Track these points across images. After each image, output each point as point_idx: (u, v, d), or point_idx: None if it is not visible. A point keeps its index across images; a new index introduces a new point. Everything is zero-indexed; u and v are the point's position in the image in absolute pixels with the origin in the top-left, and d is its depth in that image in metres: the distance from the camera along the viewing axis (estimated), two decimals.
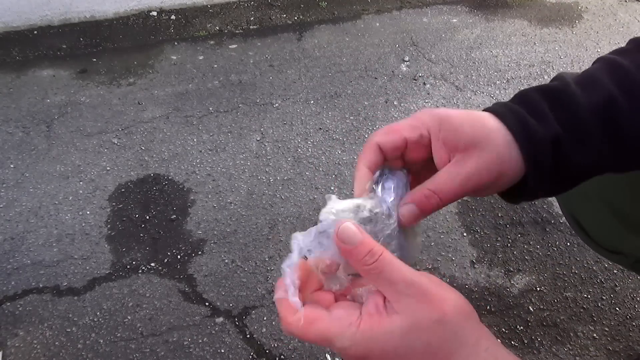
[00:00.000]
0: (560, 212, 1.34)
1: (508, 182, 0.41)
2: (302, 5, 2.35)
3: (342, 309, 0.37)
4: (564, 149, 0.40)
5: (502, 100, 0.44)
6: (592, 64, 0.44)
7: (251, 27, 2.21)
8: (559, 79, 0.42)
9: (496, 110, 0.41)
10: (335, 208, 0.40)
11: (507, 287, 1.18)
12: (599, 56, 0.44)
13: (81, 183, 1.47)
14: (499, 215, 1.35)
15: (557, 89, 0.41)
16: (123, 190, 1.45)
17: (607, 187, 0.64)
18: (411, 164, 0.44)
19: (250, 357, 1.06)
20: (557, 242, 1.28)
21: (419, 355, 0.35)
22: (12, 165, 1.53)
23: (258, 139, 1.61)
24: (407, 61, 1.94)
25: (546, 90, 0.41)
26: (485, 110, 0.43)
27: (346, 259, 0.38)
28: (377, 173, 0.43)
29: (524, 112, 0.40)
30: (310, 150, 1.56)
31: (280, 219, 1.34)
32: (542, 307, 1.14)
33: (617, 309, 1.13)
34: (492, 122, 0.40)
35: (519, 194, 0.43)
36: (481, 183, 0.40)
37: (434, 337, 0.35)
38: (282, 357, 1.06)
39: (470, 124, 0.40)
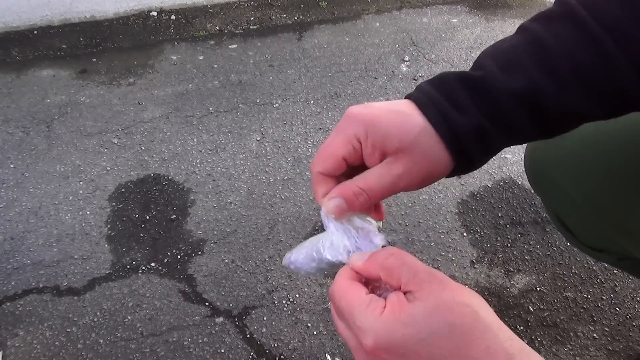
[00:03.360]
0: None
1: (439, 176, 0.42)
2: (302, 5, 2.35)
3: (373, 295, 0.38)
4: (489, 137, 0.40)
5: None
6: (516, 34, 0.42)
7: (251, 27, 2.21)
8: (480, 67, 0.41)
9: (418, 99, 0.41)
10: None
11: (507, 287, 1.18)
12: (522, 24, 0.43)
13: (81, 183, 1.47)
14: (499, 215, 1.35)
15: (477, 78, 0.40)
16: (123, 190, 1.45)
17: (591, 187, 0.64)
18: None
19: (250, 357, 1.06)
20: (557, 242, 1.28)
21: (443, 338, 0.33)
22: (12, 165, 1.53)
23: (258, 139, 1.61)
24: (407, 61, 1.94)
25: (467, 79, 0.40)
26: (407, 97, 0.42)
27: (368, 275, 0.40)
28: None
29: (446, 105, 0.39)
30: (310, 150, 1.56)
31: (280, 219, 1.34)
32: (542, 307, 1.14)
33: (617, 309, 1.13)
34: (417, 121, 0.40)
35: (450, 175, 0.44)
36: (412, 183, 0.41)
37: (458, 318, 0.34)
38: (282, 357, 1.06)
39: (396, 128, 0.39)
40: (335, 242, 0.43)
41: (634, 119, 0.59)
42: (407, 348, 0.34)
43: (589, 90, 0.38)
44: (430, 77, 0.43)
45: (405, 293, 0.37)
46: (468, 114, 0.39)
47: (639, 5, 0.37)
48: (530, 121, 0.40)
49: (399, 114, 0.40)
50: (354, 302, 0.37)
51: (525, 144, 0.75)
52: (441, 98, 0.40)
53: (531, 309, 1.14)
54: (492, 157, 0.43)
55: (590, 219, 0.67)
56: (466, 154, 0.40)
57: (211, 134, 1.63)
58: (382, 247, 0.42)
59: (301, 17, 2.26)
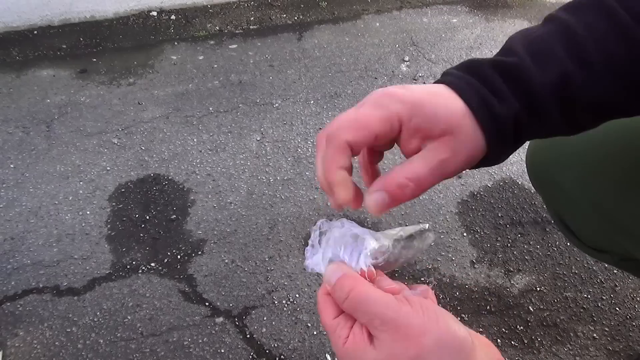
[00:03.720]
0: None
1: (474, 163, 0.40)
2: (302, 5, 2.35)
3: (340, 321, 0.39)
4: (522, 126, 0.39)
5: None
6: (544, 24, 0.41)
7: (251, 27, 2.21)
8: (512, 53, 0.39)
9: (454, 83, 0.39)
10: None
11: (507, 287, 1.18)
12: (549, 14, 0.42)
13: (81, 183, 1.47)
14: (499, 215, 1.35)
15: (512, 65, 0.38)
16: (123, 190, 1.45)
17: (595, 190, 0.63)
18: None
19: (250, 357, 1.06)
20: (557, 242, 1.28)
21: None
22: (12, 165, 1.53)
23: (258, 139, 1.61)
24: (407, 61, 1.94)
25: (501, 66, 0.39)
26: (440, 82, 0.40)
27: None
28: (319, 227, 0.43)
29: (484, 90, 0.38)
30: (310, 150, 1.56)
31: (280, 219, 1.34)
32: (542, 307, 1.14)
33: (617, 309, 1.13)
34: (460, 104, 0.38)
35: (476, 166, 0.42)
36: (458, 167, 0.38)
37: None
38: (282, 357, 1.06)
39: (443, 110, 0.37)
40: (317, 251, 0.43)
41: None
42: None
43: (620, 80, 0.38)
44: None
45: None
46: (507, 101, 0.37)
47: None
48: (560, 113, 0.39)
49: (441, 97, 0.38)
50: (325, 324, 0.39)
51: (527, 143, 0.74)
52: (478, 83, 0.38)
53: (531, 309, 1.13)
54: (515, 150, 0.41)
55: (594, 220, 0.66)
56: (501, 141, 0.39)
57: (211, 134, 1.63)
58: (372, 263, 0.41)
59: (301, 17, 2.26)
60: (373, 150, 0.43)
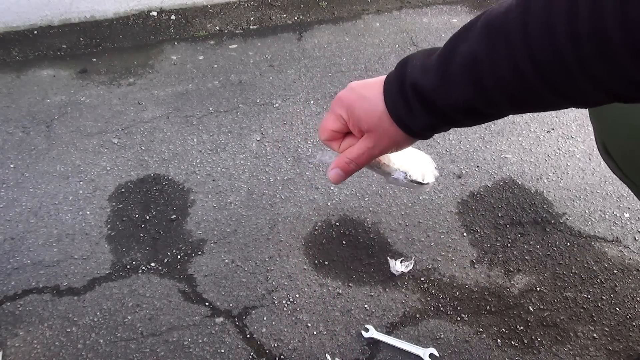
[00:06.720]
0: (560, 212, 1.34)
1: (406, 143, 0.56)
2: (302, 5, 2.35)
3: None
4: (438, 128, 0.53)
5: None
6: (462, 43, 0.47)
7: (251, 27, 2.21)
8: (429, 73, 0.49)
9: (387, 92, 0.53)
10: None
11: (507, 287, 1.18)
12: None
13: (81, 183, 1.47)
14: (499, 215, 1.35)
15: (427, 91, 0.49)
16: (123, 190, 1.45)
17: None
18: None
19: (250, 357, 1.06)
20: (557, 242, 1.28)
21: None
22: (12, 165, 1.53)
23: (258, 139, 1.61)
24: None
25: (419, 91, 0.50)
26: (388, 77, 0.54)
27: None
28: None
29: (403, 110, 0.52)
30: (310, 150, 1.56)
31: (280, 219, 1.34)
32: (542, 307, 1.14)
33: (617, 309, 1.14)
34: (380, 108, 0.53)
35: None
36: (384, 150, 0.57)
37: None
38: (282, 357, 1.06)
39: (365, 114, 0.54)
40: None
41: None
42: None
43: (511, 102, 0.46)
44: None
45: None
46: (419, 117, 0.51)
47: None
48: (468, 118, 0.51)
49: (367, 102, 0.54)
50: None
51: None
52: (400, 102, 0.52)
53: (531, 309, 1.14)
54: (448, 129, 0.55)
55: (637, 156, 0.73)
56: (420, 136, 0.54)
57: (211, 134, 1.63)
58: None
59: (301, 17, 2.26)
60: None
